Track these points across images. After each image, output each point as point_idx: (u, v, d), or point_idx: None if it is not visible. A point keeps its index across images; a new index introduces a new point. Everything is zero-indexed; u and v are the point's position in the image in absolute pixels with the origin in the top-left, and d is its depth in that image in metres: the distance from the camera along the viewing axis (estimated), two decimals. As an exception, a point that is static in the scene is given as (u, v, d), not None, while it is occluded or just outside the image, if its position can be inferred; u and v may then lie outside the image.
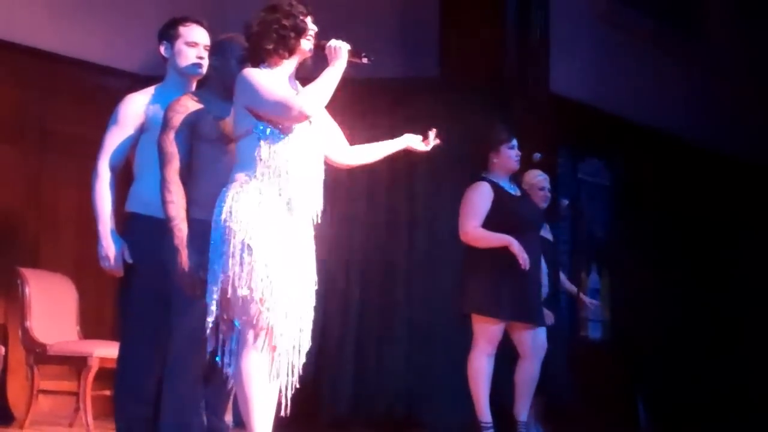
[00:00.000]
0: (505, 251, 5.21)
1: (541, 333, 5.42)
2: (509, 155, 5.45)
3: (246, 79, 3.54)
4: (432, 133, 3.88)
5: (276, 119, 3.52)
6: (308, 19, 3.61)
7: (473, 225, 5.32)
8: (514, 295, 5.27)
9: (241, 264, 3.46)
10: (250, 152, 3.54)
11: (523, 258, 5.18)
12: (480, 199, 5.37)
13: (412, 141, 3.90)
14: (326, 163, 3.69)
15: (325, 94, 3.53)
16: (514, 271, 5.24)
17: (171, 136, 3.70)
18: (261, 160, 3.52)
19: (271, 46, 3.59)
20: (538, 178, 5.94)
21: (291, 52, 3.60)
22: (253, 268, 3.46)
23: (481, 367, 5.29)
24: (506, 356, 5.47)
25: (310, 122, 3.63)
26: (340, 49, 3.55)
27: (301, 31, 3.58)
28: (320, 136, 3.68)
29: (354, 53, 3.57)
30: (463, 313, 5.40)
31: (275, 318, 3.49)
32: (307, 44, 3.60)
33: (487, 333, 5.30)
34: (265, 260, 3.47)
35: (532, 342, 5.38)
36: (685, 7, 9.60)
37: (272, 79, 3.55)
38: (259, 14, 3.61)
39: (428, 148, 3.90)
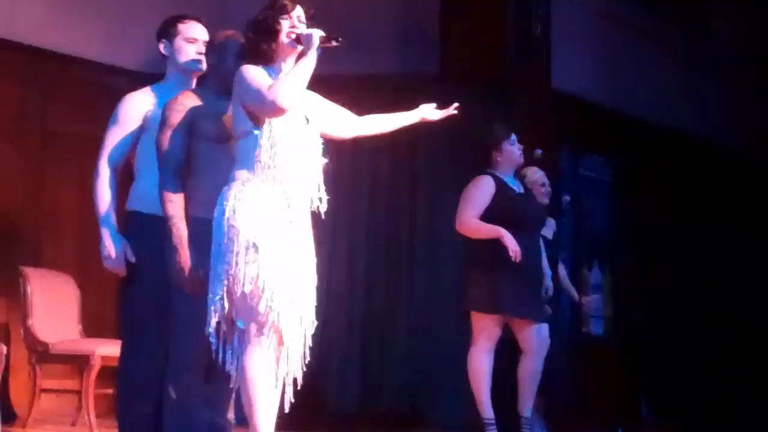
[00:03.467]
0: (502, 246, 5.20)
1: (544, 329, 5.41)
2: (512, 151, 5.46)
3: (240, 75, 3.55)
4: (453, 108, 3.92)
5: (257, 112, 3.52)
6: (293, 14, 3.59)
7: (468, 215, 5.32)
8: (514, 291, 5.27)
9: (247, 262, 3.46)
10: (250, 151, 3.54)
11: (513, 250, 5.16)
12: (480, 191, 5.37)
13: (427, 113, 3.90)
14: (328, 160, 3.69)
15: (299, 84, 3.50)
16: (513, 268, 5.23)
17: (169, 134, 3.70)
18: (261, 159, 3.52)
19: (252, 56, 3.59)
20: (537, 174, 5.94)
21: (269, 58, 3.59)
22: (260, 266, 3.46)
23: (480, 364, 5.29)
24: (508, 352, 5.46)
25: (307, 120, 3.62)
26: (312, 36, 3.53)
27: (274, 34, 3.58)
28: (319, 131, 3.68)
29: (325, 38, 3.55)
30: (462, 311, 5.41)
31: (281, 316, 3.49)
32: (287, 41, 3.59)
33: (485, 329, 5.30)
34: (271, 258, 3.47)
35: (535, 338, 5.38)
36: (687, 3, 9.59)
37: (260, 74, 3.54)
38: (242, 32, 3.64)
39: (442, 115, 3.90)
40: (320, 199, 3.59)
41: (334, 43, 3.55)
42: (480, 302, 5.31)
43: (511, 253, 5.15)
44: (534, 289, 5.42)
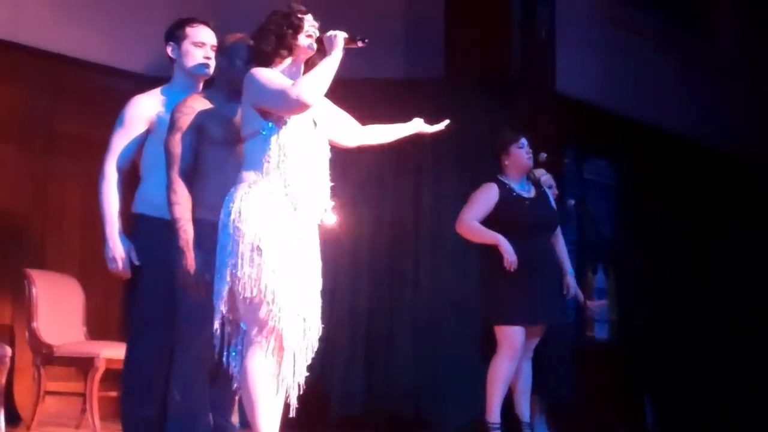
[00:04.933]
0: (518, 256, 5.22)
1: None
2: (520, 154, 5.46)
3: (252, 77, 3.56)
4: (444, 123, 4.01)
5: (278, 111, 3.53)
6: (308, 17, 3.62)
7: (467, 218, 5.35)
8: (525, 300, 5.28)
9: (251, 265, 3.47)
10: (258, 153, 3.55)
11: (509, 261, 5.17)
12: (483, 197, 5.40)
13: (420, 126, 3.99)
14: (332, 165, 3.70)
15: (322, 82, 3.51)
16: (523, 276, 5.24)
17: (177, 137, 3.71)
18: (269, 160, 3.53)
19: (270, 48, 3.61)
20: (543, 177, 5.93)
21: (290, 50, 3.61)
22: (263, 269, 3.47)
23: (502, 371, 5.29)
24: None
25: (315, 123, 3.64)
26: (336, 38, 3.55)
27: (297, 28, 3.60)
28: (326, 135, 3.70)
29: (350, 39, 3.58)
30: (483, 323, 5.42)
31: (283, 319, 3.49)
32: (305, 41, 3.61)
33: (509, 339, 5.29)
34: (274, 261, 3.48)
35: (531, 343, 5.40)
36: (691, 7, 9.59)
37: (274, 74, 3.56)
38: (260, 22, 3.64)
39: (434, 129, 4.01)
40: (326, 203, 3.61)
41: (359, 44, 3.58)
42: (496, 316, 5.32)
43: (505, 264, 5.18)
44: (546, 292, 5.41)
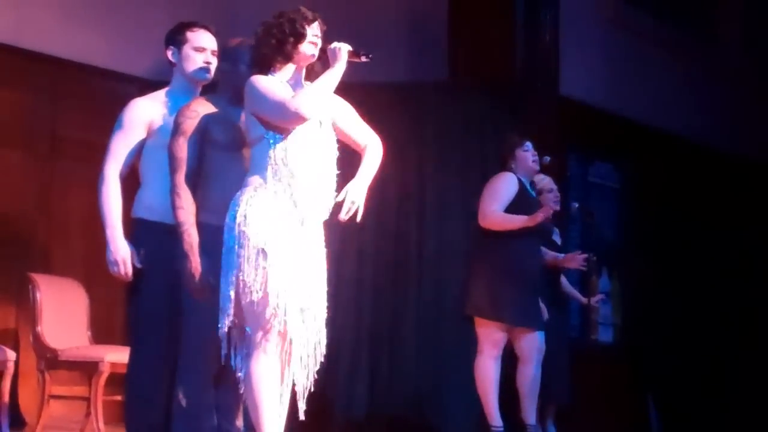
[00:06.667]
0: (509, 253, 5.21)
1: (540, 336, 5.42)
2: (526, 157, 5.45)
3: (251, 85, 3.57)
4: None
5: (276, 122, 3.53)
6: (313, 25, 3.61)
7: (493, 209, 5.28)
8: (515, 299, 5.27)
9: (256, 268, 3.47)
10: (263, 157, 3.55)
11: (546, 212, 5.14)
12: (504, 186, 5.34)
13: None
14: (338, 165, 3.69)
15: (323, 96, 3.53)
16: (517, 276, 5.24)
17: (181, 141, 3.71)
18: (274, 164, 3.53)
19: (268, 52, 3.60)
20: (544, 181, 5.93)
21: (288, 57, 3.61)
22: (268, 272, 3.47)
23: (487, 372, 5.29)
24: (512, 359, 5.47)
25: (321, 123, 3.64)
26: (341, 50, 3.56)
27: (299, 37, 3.59)
28: (333, 137, 3.69)
29: (354, 53, 3.58)
30: (465, 315, 5.41)
31: (288, 322, 3.49)
32: (308, 49, 3.61)
33: (490, 337, 5.30)
34: (280, 265, 3.48)
35: (531, 346, 5.38)
36: (695, 10, 9.58)
37: (273, 83, 3.56)
38: (265, 20, 3.63)
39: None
40: (331, 204, 3.60)
41: (363, 59, 3.57)
42: (482, 308, 5.31)
43: (545, 213, 5.13)
44: (535, 296, 5.42)
